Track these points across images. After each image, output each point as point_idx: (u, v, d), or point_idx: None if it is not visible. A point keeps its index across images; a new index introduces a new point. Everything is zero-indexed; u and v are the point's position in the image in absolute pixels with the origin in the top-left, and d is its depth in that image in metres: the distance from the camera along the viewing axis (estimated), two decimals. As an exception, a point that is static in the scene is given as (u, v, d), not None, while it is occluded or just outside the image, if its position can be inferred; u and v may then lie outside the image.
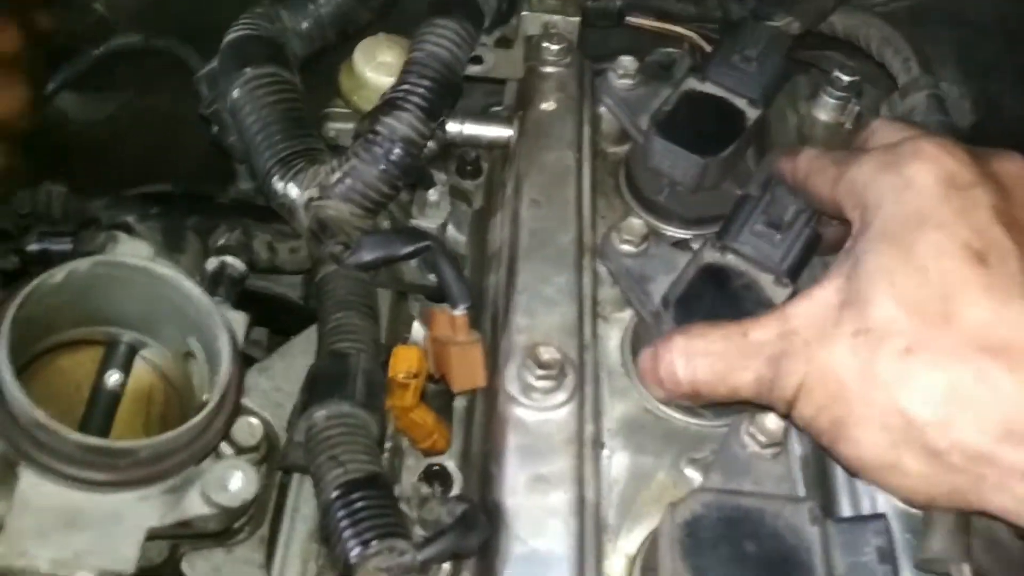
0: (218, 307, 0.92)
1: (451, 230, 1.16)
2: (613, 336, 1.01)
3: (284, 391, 1.02)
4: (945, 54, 1.34)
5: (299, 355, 1.04)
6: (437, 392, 1.05)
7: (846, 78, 1.18)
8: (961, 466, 0.75)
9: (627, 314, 1.02)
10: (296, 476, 1.00)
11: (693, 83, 1.08)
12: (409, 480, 1.00)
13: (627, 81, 1.16)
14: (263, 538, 0.99)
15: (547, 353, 0.89)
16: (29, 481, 0.80)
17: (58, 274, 0.85)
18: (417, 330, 1.03)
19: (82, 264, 0.86)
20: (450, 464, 1.02)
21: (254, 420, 0.99)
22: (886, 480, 0.80)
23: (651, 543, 0.85)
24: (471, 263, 1.16)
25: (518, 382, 0.90)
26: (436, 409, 1.01)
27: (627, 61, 1.16)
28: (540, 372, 0.89)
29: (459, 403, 1.07)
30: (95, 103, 1.45)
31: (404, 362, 1.00)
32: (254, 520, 1.00)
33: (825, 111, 1.20)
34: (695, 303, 0.93)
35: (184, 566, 0.93)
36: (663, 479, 0.91)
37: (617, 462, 0.92)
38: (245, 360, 0.98)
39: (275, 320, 1.24)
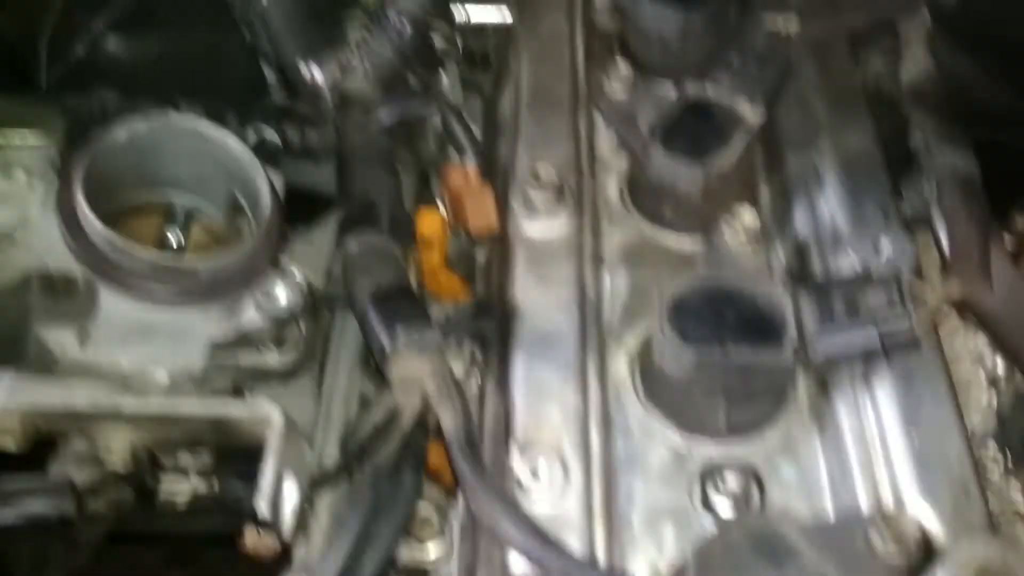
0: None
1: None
2: (611, 181, 1.13)
3: (324, 255, 1.15)
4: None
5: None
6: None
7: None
8: None
9: (623, 160, 1.13)
10: (340, 314, 1.12)
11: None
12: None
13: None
14: (315, 375, 1.13)
15: (544, 170, 1.02)
16: (108, 299, 0.93)
17: (121, 132, 0.99)
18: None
19: (141, 124, 1.00)
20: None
21: (298, 275, 1.12)
22: None
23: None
24: (483, 144, 1.27)
25: (521, 198, 1.02)
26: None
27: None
28: (538, 185, 1.01)
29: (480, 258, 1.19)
30: (142, 43, 1.60)
31: (428, 222, 1.13)
32: (307, 361, 1.13)
33: None
34: (678, 131, 1.04)
35: (246, 395, 1.07)
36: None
37: (618, 278, 1.04)
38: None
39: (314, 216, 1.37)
